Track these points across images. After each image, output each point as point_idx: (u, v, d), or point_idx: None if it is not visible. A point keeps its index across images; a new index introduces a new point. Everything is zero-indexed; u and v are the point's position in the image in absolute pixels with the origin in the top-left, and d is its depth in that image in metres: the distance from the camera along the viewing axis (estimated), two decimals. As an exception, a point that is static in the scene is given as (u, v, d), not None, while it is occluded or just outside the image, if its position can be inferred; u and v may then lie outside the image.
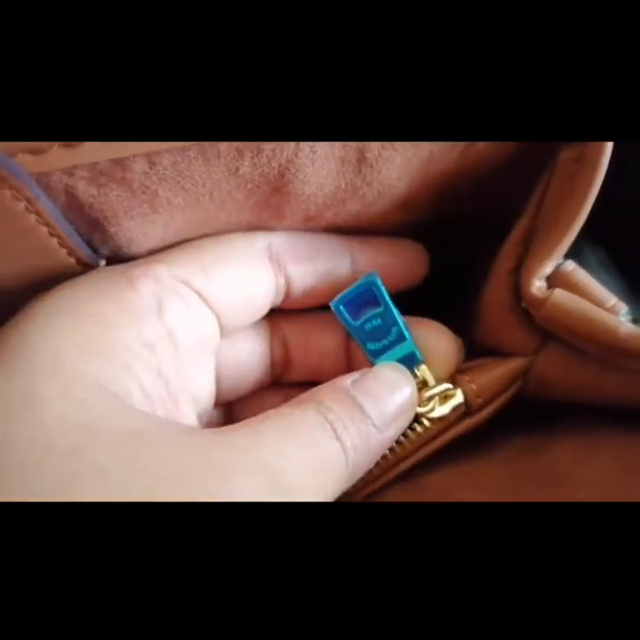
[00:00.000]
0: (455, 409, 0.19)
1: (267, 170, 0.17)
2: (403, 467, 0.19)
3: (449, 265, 0.21)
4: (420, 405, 0.19)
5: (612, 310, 0.17)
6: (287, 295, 0.20)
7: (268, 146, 0.16)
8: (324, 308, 0.21)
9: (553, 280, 0.18)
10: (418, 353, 0.20)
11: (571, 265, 0.18)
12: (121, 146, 0.16)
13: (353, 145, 0.17)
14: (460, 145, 0.18)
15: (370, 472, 0.18)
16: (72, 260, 0.18)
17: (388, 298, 0.20)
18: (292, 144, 0.16)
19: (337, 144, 0.17)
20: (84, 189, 0.16)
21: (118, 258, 0.19)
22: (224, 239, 0.19)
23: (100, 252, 0.19)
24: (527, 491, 0.17)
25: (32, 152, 0.15)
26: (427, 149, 0.17)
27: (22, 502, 0.13)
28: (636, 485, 0.16)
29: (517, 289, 0.18)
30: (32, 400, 0.14)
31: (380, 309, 0.20)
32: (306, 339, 0.22)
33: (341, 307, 0.20)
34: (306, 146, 0.16)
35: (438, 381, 0.19)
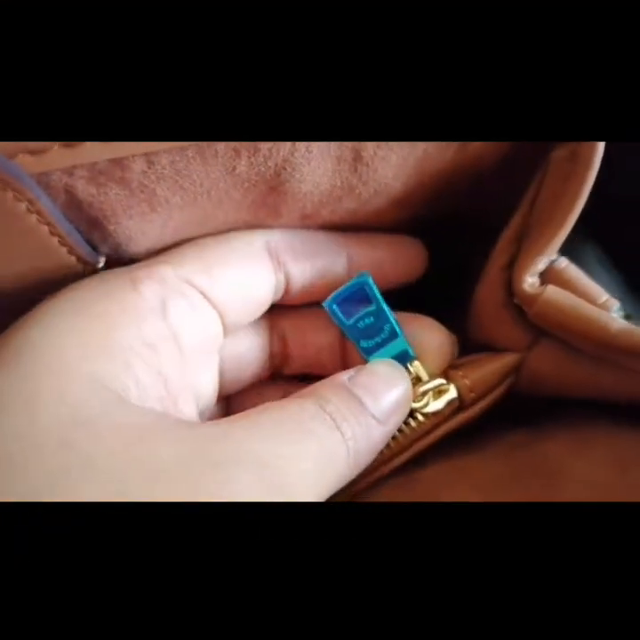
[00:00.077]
0: (449, 404, 0.19)
1: (263, 169, 0.17)
2: (397, 462, 0.19)
3: (445, 262, 0.21)
4: (414, 401, 0.19)
5: (603, 306, 0.18)
6: (286, 292, 0.21)
7: (264, 145, 0.16)
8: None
9: (546, 277, 0.18)
10: (410, 350, 0.20)
11: (563, 262, 0.18)
12: (120, 146, 0.16)
13: (349, 144, 0.17)
14: (456, 144, 0.18)
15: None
16: (72, 259, 0.18)
17: (379, 296, 0.20)
18: (288, 144, 0.16)
19: (333, 143, 0.17)
20: (84, 189, 0.16)
21: (117, 255, 0.19)
22: (224, 238, 0.19)
23: (100, 249, 0.19)
24: (520, 486, 0.17)
25: (32, 152, 0.16)
26: (422, 148, 0.17)
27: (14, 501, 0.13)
28: (628, 481, 0.16)
29: (510, 285, 0.18)
30: (30, 397, 0.15)
31: (372, 308, 0.20)
32: (303, 333, 0.22)
33: (334, 306, 0.20)
34: (302, 145, 0.17)
35: (431, 377, 0.19)
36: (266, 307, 0.21)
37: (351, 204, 0.19)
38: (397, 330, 0.20)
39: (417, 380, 0.19)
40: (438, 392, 0.19)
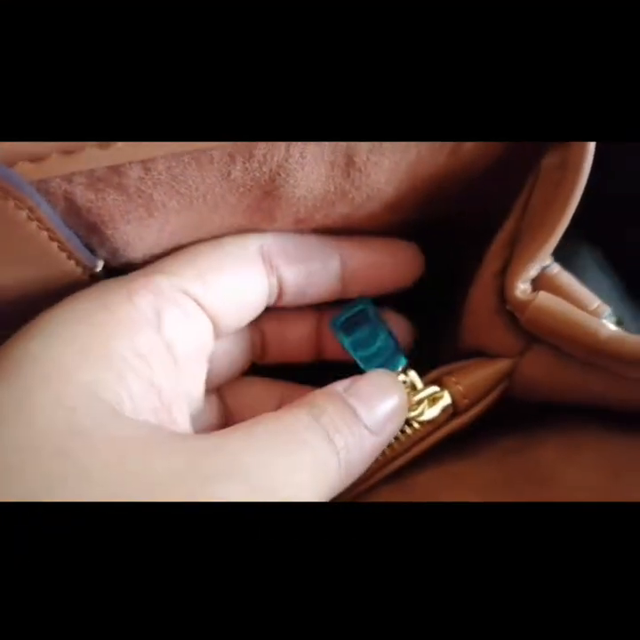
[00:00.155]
0: (444, 411, 0.19)
1: (258, 174, 0.17)
2: (391, 468, 0.19)
3: (438, 266, 0.22)
4: (409, 410, 0.19)
5: (595, 312, 0.18)
6: (279, 296, 0.21)
7: (258, 151, 0.17)
8: None
9: (538, 283, 0.18)
10: (405, 358, 0.20)
11: (556, 267, 0.18)
12: (117, 153, 0.16)
13: (342, 150, 0.17)
14: (448, 148, 0.18)
15: None
16: (71, 263, 0.18)
17: (378, 316, 0.21)
18: (283, 150, 0.17)
19: (326, 149, 0.17)
20: (82, 194, 0.17)
21: (115, 259, 0.19)
22: (218, 244, 0.20)
23: (98, 253, 0.19)
24: (512, 491, 0.17)
25: (32, 160, 0.16)
26: (414, 153, 0.18)
27: (5, 502, 0.13)
28: (619, 486, 0.16)
29: (503, 291, 0.18)
30: (26, 406, 0.15)
31: (370, 323, 0.21)
32: (281, 326, 0.23)
33: (337, 326, 0.21)
34: (296, 151, 0.17)
35: (426, 385, 0.20)
36: (259, 311, 0.21)
37: (344, 209, 0.19)
38: (392, 339, 0.20)
39: (412, 389, 0.20)
40: (433, 399, 0.19)
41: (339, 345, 0.21)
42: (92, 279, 0.19)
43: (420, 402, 0.19)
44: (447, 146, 0.18)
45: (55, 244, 0.18)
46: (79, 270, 0.19)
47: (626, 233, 0.24)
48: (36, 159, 0.16)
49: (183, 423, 0.18)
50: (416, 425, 0.19)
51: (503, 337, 0.19)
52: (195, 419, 0.20)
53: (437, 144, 0.18)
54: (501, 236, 0.19)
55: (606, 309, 0.18)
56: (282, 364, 0.23)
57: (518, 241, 0.18)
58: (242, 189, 0.18)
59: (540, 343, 0.18)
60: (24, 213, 0.16)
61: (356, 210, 0.20)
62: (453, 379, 0.19)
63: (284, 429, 0.16)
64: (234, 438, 0.16)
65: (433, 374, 0.20)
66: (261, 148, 0.16)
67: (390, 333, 0.21)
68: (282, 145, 0.17)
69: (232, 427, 0.17)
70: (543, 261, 0.18)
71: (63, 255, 0.18)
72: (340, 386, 0.18)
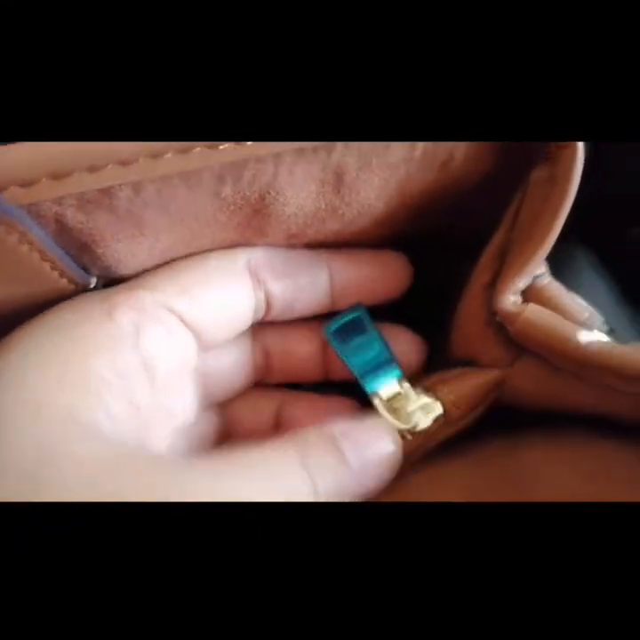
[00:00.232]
0: (435, 420, 0.19)
1: (248, 193, 0.17)
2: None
3: (429, 278, 0.22)
4: (402, 421, 0.19)
5: (586, 323, 0.18)
6: (268, 310, 0.21)
7: (247, 172, 0.17)
8: None
9: (527, 295, 0.18)
10: (399, 369, 0.20)
11: (546, 278, 0.18)
12: (106, 176, 0.16)
13: (331, 168, 0.17)
14: (437, 165, 0.18)
15: None
16: (64, 282, 0.19)
17: (372, 324, 0.21)
18: (271, 168, 0.17)
19: (315, 167, 0.17)
20: (73, 216, 0.17)
21: (108, 276, 0.19)
22: (204, 259, 0.20)
23: (91, 271, 0.19)
24: (495, 492, 0.17)
25: (22, 185, 0.16)
26: (404, 171, 0.18)
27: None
28: (592, 489, 0.16)
29: (492, 303, 0.19)
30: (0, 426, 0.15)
31: (364, 331, 0.21)
32: (286, 346, 0.23)
33: (331, 331, 0.21)
34: (284, 169, 0.17)
35: (418, 394, 0.20)
36: (247, 324, 0.21)
37: (335, 225, 0.19)
38: (386, 350, 0.21)
39: (405, 400, 0.20)
40: (425, 409, 0.19)
41: (348, 371, 0.21)
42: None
43: (412, 413, 0.19)
44: (436, 163, 0.18)
45: (47, 264, 0.18)
46: (72, 287, 0.19)
47: (626, 233, 0.25)
48: (25, 184, 0.16)
49: (161, 441, 0.19)
50: (409, 437, 0.19)
51: (493, 348, 0.19)
52: (186, 434, 0.20)
53: (427, 161, 0.18)
54: (491, 249, 0.19)
55: (598, 319, 0.18)
56: (288, 383, 0.23)
57: (507, 254, 0.19)
58: (232, 208, 0.18)
59: (529, 354, 0.18)
60: (15, 237, 0.16)
61: (347, 225, 0.20)
62: (445, 388, 0.19)
63: (266, 465, 0.16)
64: (213, 469, 0.16)
65: (425, 383, 0.20)
66: (250, 167, 0.16)
67: (385, 343, 0.21)
68: (270, 163, 0.17)
69: (215, 454, 0.17)
70: (533, 273, 0.18)
71: (56, 274, 0.18)
72: (336, 429, 0.18)
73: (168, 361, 0.19)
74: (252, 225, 0.19)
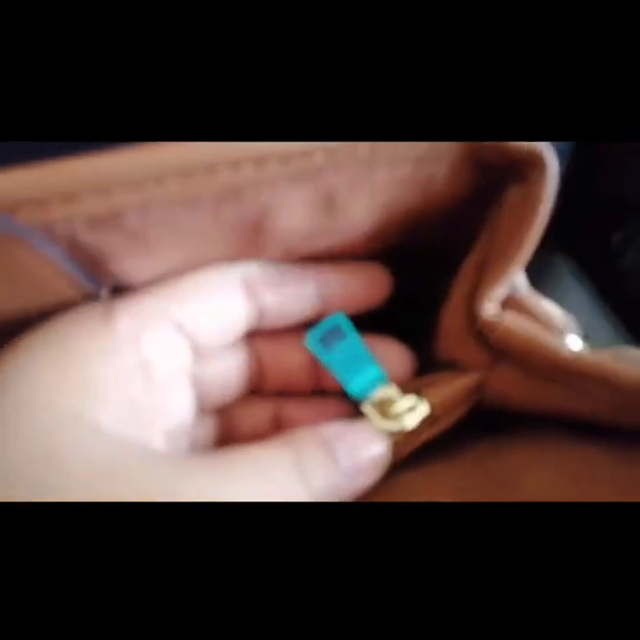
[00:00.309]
0: (423, 420, 0.20)
1: (247, 214, 0.19)
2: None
3: (416, 288, 0.23)
4: (391, 423, 0.20)
5: (562, 332, 0.19)
6: (261, 319, 0.22)
7: (245, 196, 0.18)
8: None
9: (507, 304, 0.19)
10: (383, 373, 0.21)
11: (524, 289, 0.20)
12: (113, 200, 0.17)
13: (322, 191, 0.18)
14: (422, 187, 0.19)
15: None
16: (75, 293, 0.20)
17: (353, 330, 0.22)
18: (267, 191, 0.18)
19: (307, 190, 0.18)
20: (82, 235, 0.18)
21: (118, 289, 0.21)
22: (203, 271, 0.21)
23: (101, 283, 0.20)
24: (481, 493, 0.18)
25: (35, 206, 0.17)
26: (392, 193, 0.19)
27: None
28: (575, 491, 0.17)
29: (473, 313, 0.20)
30: (2, 431, 0.16)
31: (344, 337, 0.22)
32: (278, 355, 0.23)
33: (313, 340, 0.22)
34: (280, 192, 0.18)
35: (404, 396, 0.21)
36: (241, 333, 0.22)
37: (326, 242, 0.21)
38: (370, 356, 0.21)
39: (390, 403, 0.21)
40: (411, 410, 0.20)
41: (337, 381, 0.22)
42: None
43: (399, 415, 0.20)
44: (420, 186, 0.19)
45: (61, 280, 0.19)
46: (81, 298, 0.20)
47: (608, 238, 0.25)
48: (37, 205, 0.17)
49: (162, 441, 0.19)
50: (397, 437, 0.20)
51: (473, 353, 0.20)
52: (186, 438, 0.21)
53: (410, 181, 0.19)
54: (470, 262, 0.20)
55: (573, 326, 0.19)
56: (282, 392, 0.24)
57: (486, 267, 0.20)
58: (232, 227, 0.19)
59: (507, 360, 0.20)
60: (29, 255, 0.18)
61: (339, 242, 0.21)
62: (430, 390, 0.20)
63: (260, 465, 0.17)
64: (207, 468, 0.16)
65: (410, 385, 0.21)
66: (248, 191, 0.18)
67: (365, 347, 0.22)
68: (266, 188, 0.18)
69: (213, 455, 0.17)
70: (510, 283, 0.19)
71: (68, 287, 0.19)
72: (326, 428, 0.19)
73: (166, 365, 0.20)
74: (252, 242, 0.20)
